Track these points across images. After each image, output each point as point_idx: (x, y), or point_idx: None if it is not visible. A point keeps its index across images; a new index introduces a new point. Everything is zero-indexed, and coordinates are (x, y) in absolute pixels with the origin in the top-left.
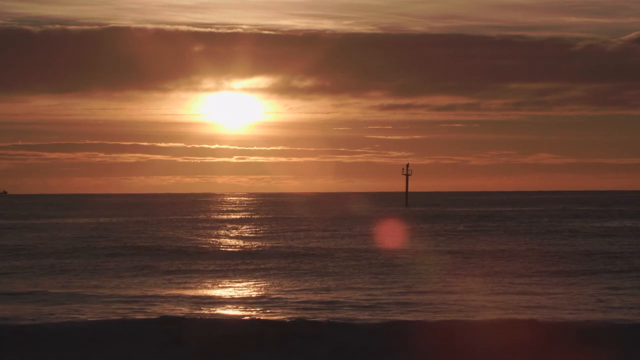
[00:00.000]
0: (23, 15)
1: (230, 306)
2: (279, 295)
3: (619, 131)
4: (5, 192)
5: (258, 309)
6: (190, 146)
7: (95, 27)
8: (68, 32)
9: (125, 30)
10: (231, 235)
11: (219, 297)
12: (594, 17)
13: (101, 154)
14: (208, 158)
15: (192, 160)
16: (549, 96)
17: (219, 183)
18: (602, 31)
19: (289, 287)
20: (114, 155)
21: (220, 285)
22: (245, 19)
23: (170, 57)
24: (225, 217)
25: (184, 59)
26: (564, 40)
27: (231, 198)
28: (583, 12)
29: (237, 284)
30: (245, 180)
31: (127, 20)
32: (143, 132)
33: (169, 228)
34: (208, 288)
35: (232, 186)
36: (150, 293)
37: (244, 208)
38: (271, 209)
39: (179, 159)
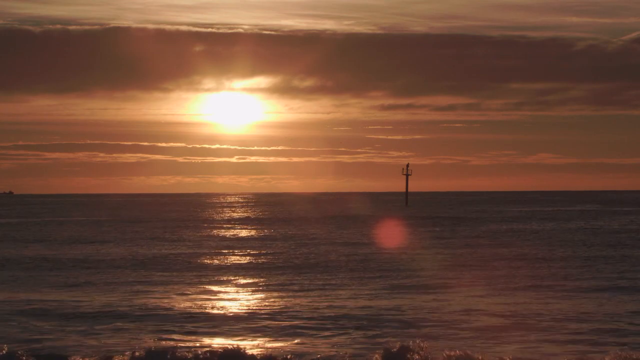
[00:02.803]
0: (24, 15)
1: (229, 330)
2: (274, 319)
3: (620, 131)
4: (11, 192)
5: (261, 336)
6: (190, 146)
7: (96, 27)
8: (69, 32)
9: (126, 30)
10: (232, 241)
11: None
12: (594, 17)
13: (102, 154)
14: (209, 158)
15: (193, 160)
16: (549, 96)
17: (220, 183)
18: (602, 31)
19: (287, 305)
20: (114, 155)
21: (218, 301)
22: (246, 19)
23: (171, 57)
24: (226, 217)
25: (184, 59)
26: (565, 40)
27: (233, 198)
28: (584, 12)
29: (237, 301)
30: (246, 180)
31: (128, 20)
32: (144, 132)
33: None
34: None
35: (233, 186)
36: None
37: (249, 209)
38: (273, 210)
39: (180, 159)
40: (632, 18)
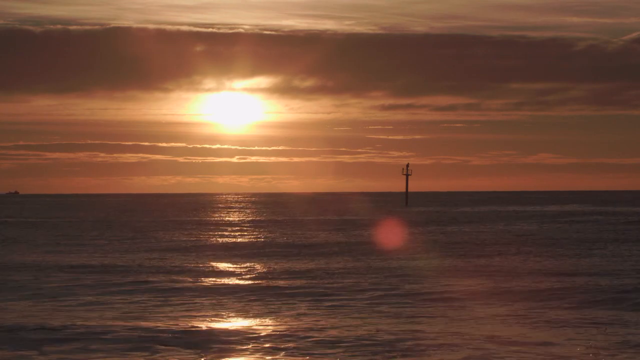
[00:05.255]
0: (24, 16)
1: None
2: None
3: (620, 131)
4: (17, 192)
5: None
6: (191, 146)
7: (97, 27)
8: (69, 32)
9: (127, 30)
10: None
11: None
12: (595, 17)
13: (102, 154)
14: (209, 158)
15: (193, 160)
16: (550, 96)
17: (220, 183)
18: (603, 31)
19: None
20: (115, 155)
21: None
22: (247, 19)
23: (171, 57)
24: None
25: (185, 59)
26: (565, 40)
27: (232, 197)
28: (584, 12)
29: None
30: (246, 180)
31: (128, 20)
32: (144, 132)
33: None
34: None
35: (233, 186)
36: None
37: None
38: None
39: (180, 159)
40: (633, 18)
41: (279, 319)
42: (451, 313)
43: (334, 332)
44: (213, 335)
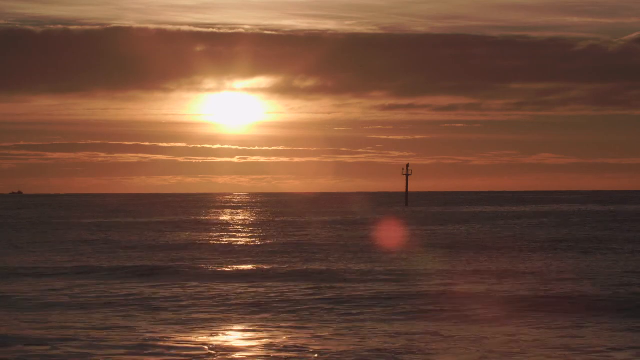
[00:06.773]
0: (25, 16)
1: None
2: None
3: (621, 131)
4: (20, 192)
5: None
6: (191, 146)
7: (97, 27)
8: (70, 32)
9: (128, 30)
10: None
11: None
12: (595, 17)
13: (103, 154)
14: (209, 158)
15: (194, 160)
16: (550, 96)
17: (220, 183)
18: (603, 31)
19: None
20: (115, 155)
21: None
22: (247, 19)
23: (172, 57)
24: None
25: (185, 59)
26: (566, 41)
27: (228, 197)
28: (585, 12)
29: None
30: (247, 180)
31: (129, 20)
32: (145, 132)
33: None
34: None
35: (233, 186)
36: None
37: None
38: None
39: (181, 159)
40: (633, 18)
41: (282, 322)
42: (460, 314)
43: (339, 335)
44: (214, 339)
